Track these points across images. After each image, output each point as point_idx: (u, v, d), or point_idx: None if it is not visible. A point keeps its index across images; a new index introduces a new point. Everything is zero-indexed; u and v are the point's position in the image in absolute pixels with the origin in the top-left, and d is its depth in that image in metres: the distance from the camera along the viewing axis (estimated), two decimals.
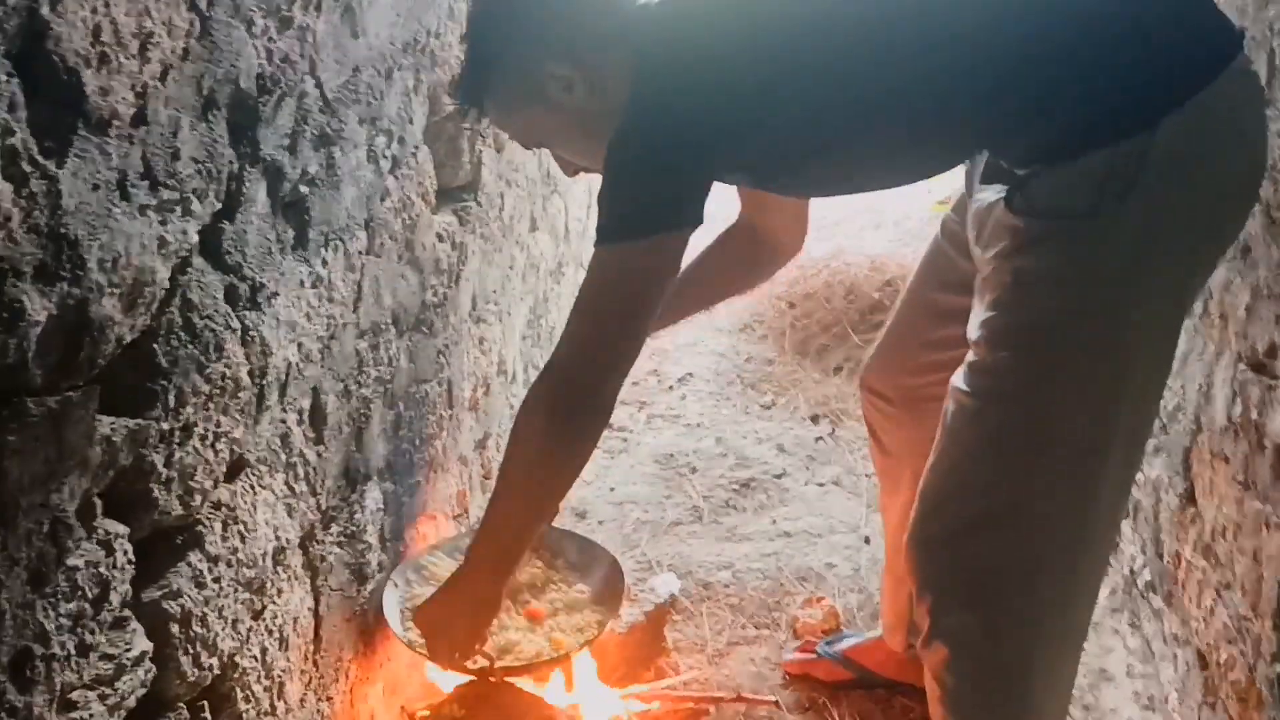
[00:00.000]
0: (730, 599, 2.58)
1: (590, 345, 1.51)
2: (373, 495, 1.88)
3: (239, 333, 1.35)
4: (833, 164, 1.58)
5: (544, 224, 3.20)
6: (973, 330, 1.55)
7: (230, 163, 1.30)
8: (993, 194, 1.54)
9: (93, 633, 1.08)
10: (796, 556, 2.75)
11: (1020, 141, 1.49)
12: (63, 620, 1.03)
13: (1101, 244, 1.43)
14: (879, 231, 4.66)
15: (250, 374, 1.39)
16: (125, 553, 1.14)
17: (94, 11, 1.00)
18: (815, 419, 3.55)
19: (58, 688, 1.03)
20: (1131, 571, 2.38)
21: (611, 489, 3.05)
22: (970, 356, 1.55)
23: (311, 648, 1.64)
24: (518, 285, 2.90)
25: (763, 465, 3.24)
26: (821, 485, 3.13)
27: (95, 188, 1.03)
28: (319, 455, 1.64)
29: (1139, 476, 2.23)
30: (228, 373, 1.32)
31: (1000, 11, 1.45)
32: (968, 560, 1.57)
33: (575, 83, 1.55)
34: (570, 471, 1.59)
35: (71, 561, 1.04)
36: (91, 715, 1.08)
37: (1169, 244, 1.43)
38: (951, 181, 4.51)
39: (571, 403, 1.51)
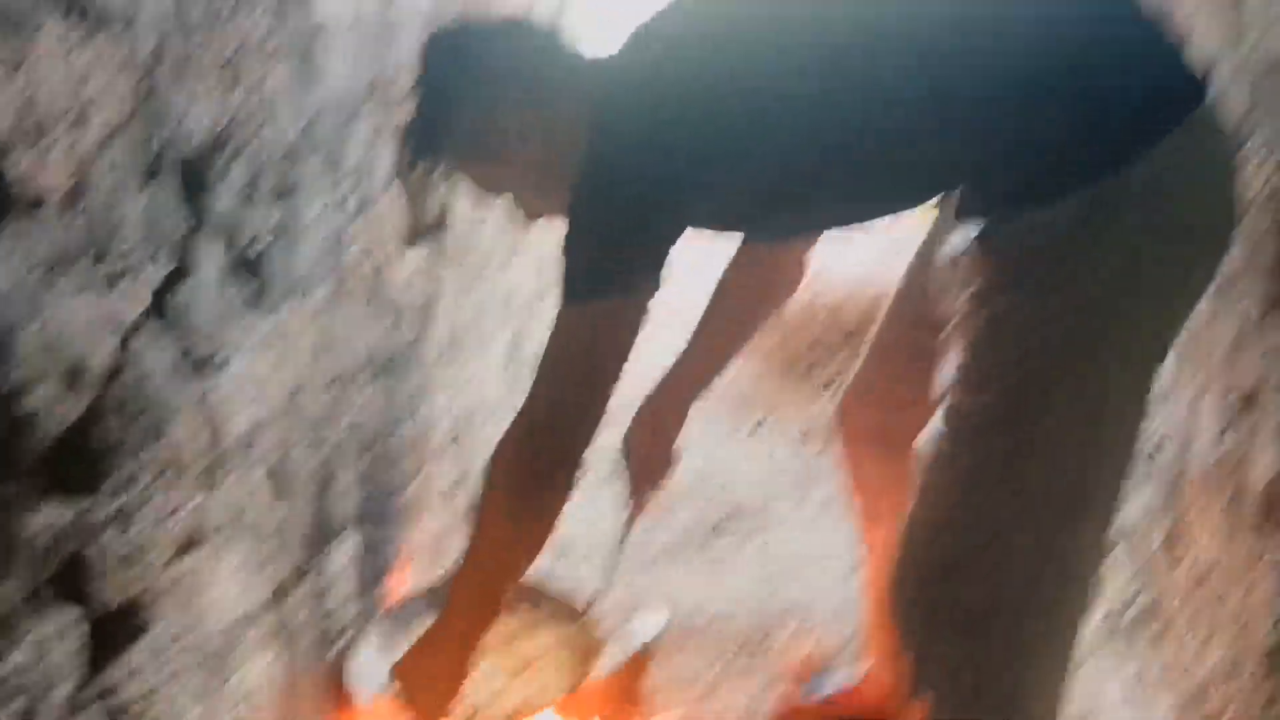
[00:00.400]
0: (717, 634, 2.54)
1: (551, 409, 1.49)
2: (344, 548, 1.84)
3: (197, 399, 1.31)
4: (798, 206, 1.55)
5: (522, 252, 3.16)
6: (950, 372, 1.52)
7: (180, 226, 1.26)
8: (968, 231, 1.51)
9: None
10: (784, 588, 2.71)
11: (993, 182, 1.46)
12: (13, 716, 0.99)
13: (1075, 286, 1.41)
14: (864, 242, 4.63)
15: (208, 441, 1.35)
16: (79, 637, 1.10)
17: (21, 89, 0.96)
18: (805, 437, 3.51)
19: None
20: (1119, 607, 2.35)
21: (593, 524, 3.00)
22: (947, 400, 1.52)
23: (281, 716, 1.60)
24: (494, 320, 2.86)
25: (749, 491, 3.20)
26: (812, 509, 3.10)
27: (29, 270, 0.99)
28: (285, 515, 1.60)
29: (1125, 509, 2.21)
30: (183, 442, 1.28)
31: (971, 53, 1.43)
32: (951, 600, 1.55)
33: (530, 134, 1.53)
34: (541, 524, 1.56)
35: (17, 657, 1.00)
36: None
37: (1143, 287, 1.42)
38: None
39: (535, 464, 1.49)
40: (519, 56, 1.57)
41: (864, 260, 4.47)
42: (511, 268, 3.04)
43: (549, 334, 1.48)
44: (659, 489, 2.07)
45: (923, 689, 1.59)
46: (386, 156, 1.98)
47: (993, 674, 1.55)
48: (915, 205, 1.62)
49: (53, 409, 1.03)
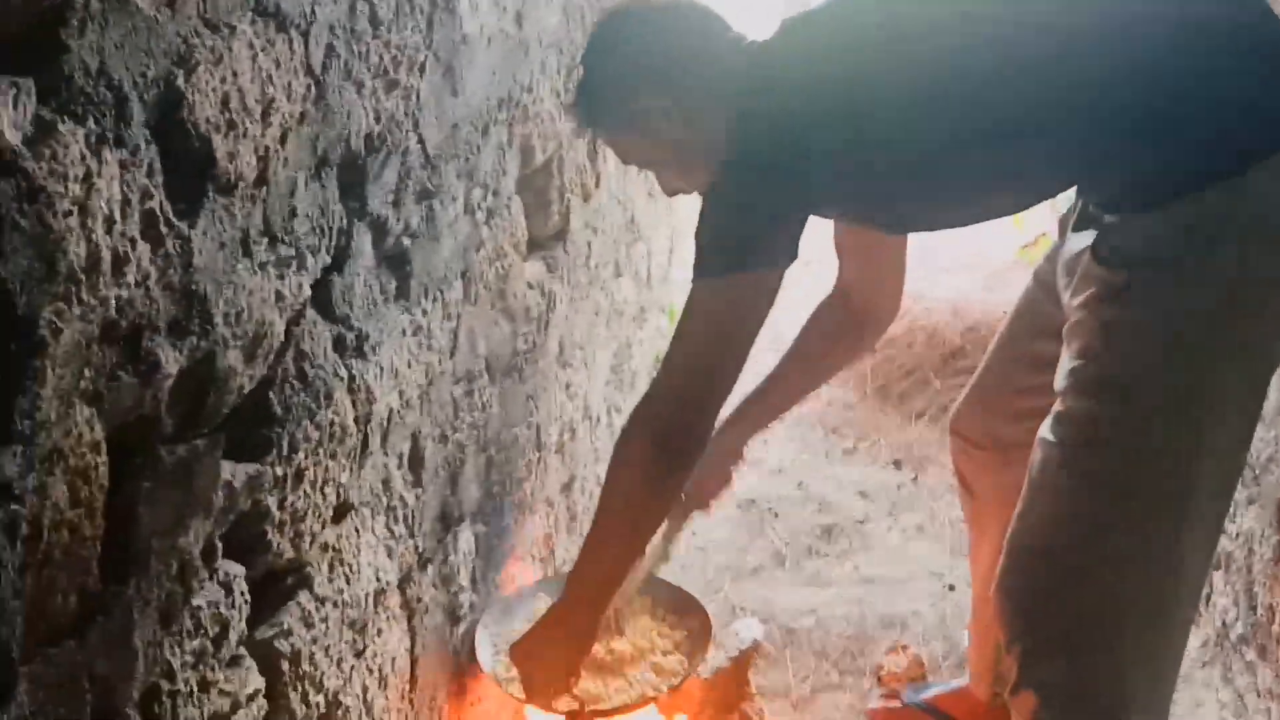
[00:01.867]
0: (814, 645, 2.58)
1: (684, 379, 1.56)
2: (465, 537, 1.92)
3: (346, 381, 1.41)
4: (923, 197, 1.61)
5: (628, 270, 3.25)
6: (1059, 380, 1.56)
7: (340, 218, 1.36)
8: (1082, 241, 1.55)
9: (213, 670, 1.13)
10: (880, 603, 2.74)
11: (1108, 184, 1.51)
12: (187, 658, 1.08)
13: (1187, 294, 1.44)
14: (961, 275, 4.64)
15: (356, 420, 1.44)
16: (243, 593, 1.19)
17: (223, 81, 1.07)
18: (898, 464, 3.54)
19: None
20: (1224, 624, 2.34)
21: (693, 533, 3.06)
22: (1057, 406, 1.55)
23: (408, 687, 1.69)
24: (602, 331, 2.95)
25: (845, 511, 3.23)
26: (905, 531, 3.12)
27: (222, 246, 1.09)
28: (417, 498, 1.69)
29: (1231, 527, 2.20)
30: (336, 419, 1.38)
31: (1094, 53, 1.47)
32: (1056, 609, 1.57)
33: (672, 113, 1.62)
34: (665, 501, 1.63)
35: (196, 601, 1.10)
36: None
37: (1256, 295, 1.44)
38: (1037, 226, 4.47)
39: (667, 435, 1.54)
40: (673, 38, 1.65)
41: (960, 287, 4.49)
42: (621, 281, 3.13)
43: (683, 308, 1.54)
44: (707, 510, 2.10)
45: (1024, 694, 1.61)
46: (514, 169, 2.08)
47: (1096, 681, 1.56)
48: (1033, 204, 1.66)
49: (235, 375, 1.13)
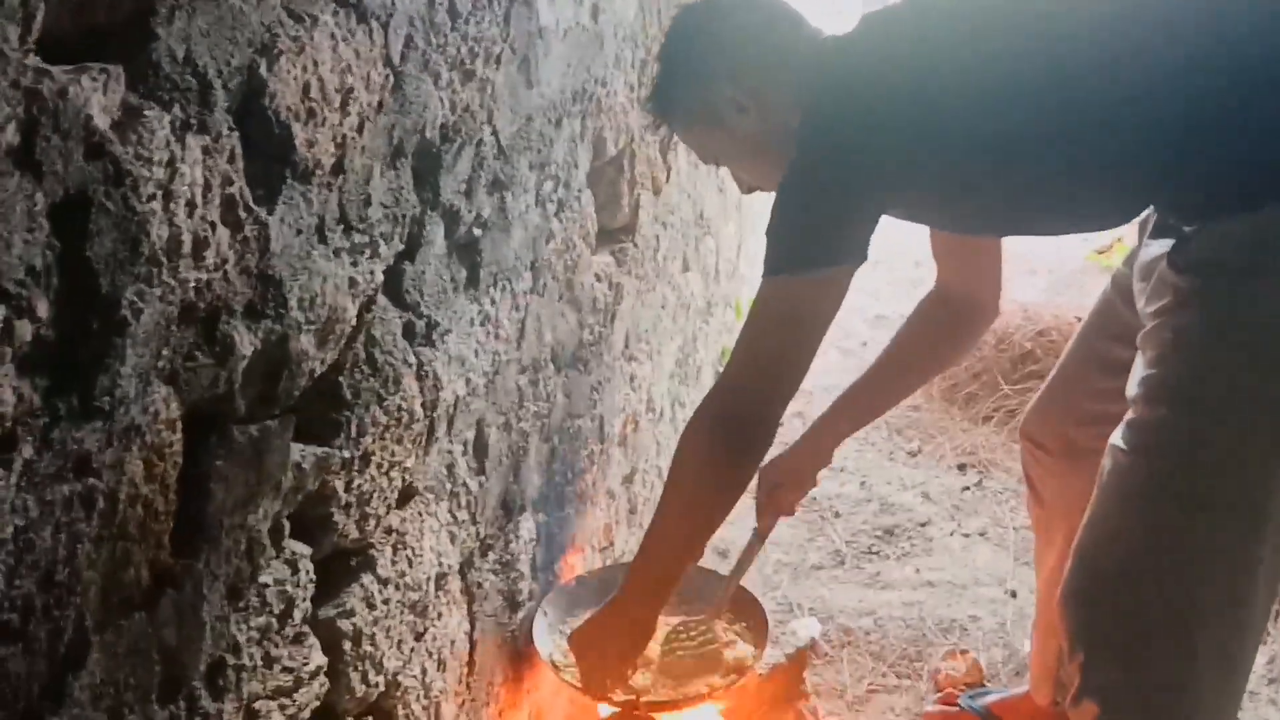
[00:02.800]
0: (871, 646, 2.56)
1: (753, 374, 1.55)
2: (527, 525, 1.94)
3: (414, 367, 1.43)
4: (997, 200, 1.59)
5: (695, 264, 3.25)
6: (1132, 387, 1.53)
7: (413, 207, 1.38)
8: (1159, 248, 1.53)
9: (277, 646, 1.16)
10: (940, 607, 2.72)
11: (1188, 192, 1.48)
12: (252, 633, 1.11)
13: (1264, 303, 1.41)
14: (1032, 279, 4.59)
15: (423, 406, 1.46)
16: (308, 572, 1.21)
17: (305, 70, 1.09)
18: (962, 468, 3.51)
19: (245, 697, 1.11)
20: None
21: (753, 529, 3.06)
22: (1129, 414, 1.53)
23: (465, 670, 1.71)
24: (668, 324, 2.95)
25: (907, 513, 3.21)
26: (967, 536, 3.09)
27: (298, 232, 1.11)
28: (480, 485, 1.71)
29: None
30: (403, 405, 1.40)
31: (1173, 61, 1.44)
32: (1121, 617, 1.55)
33: (747, 107, 1.62)
34: (732, 493, 1.62)
35: (263, 579, 1.12)
36: None
37: None
38: (1110, 232, 4.40)
39: (735, 427, 1.55)
40: (750, 31, 1.65)
41: (1032, 291, 4.44)
42: (689, 275, 3.13)
43: (753, 302, 1.55)
44: (790, 513, 2.10)
45: (1085, 703, 1.59)
46: (585, 161, 2.09)
47: (1159, 693, 1.54)
48: (1106, 225, 1.64)
49: (307, 359, 1.15)
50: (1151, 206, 1.59)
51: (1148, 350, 1.51)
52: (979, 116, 1.49)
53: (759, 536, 2.09)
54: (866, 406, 2.06)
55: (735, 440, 1.55)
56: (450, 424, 1.57)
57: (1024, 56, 1.49)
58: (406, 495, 1.45)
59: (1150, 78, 1.44)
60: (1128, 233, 4.53)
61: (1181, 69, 1.43)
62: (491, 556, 1.79)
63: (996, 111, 1.48)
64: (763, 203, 1.59)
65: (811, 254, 1.50)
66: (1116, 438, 1.53)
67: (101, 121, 0.80)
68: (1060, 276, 4.55)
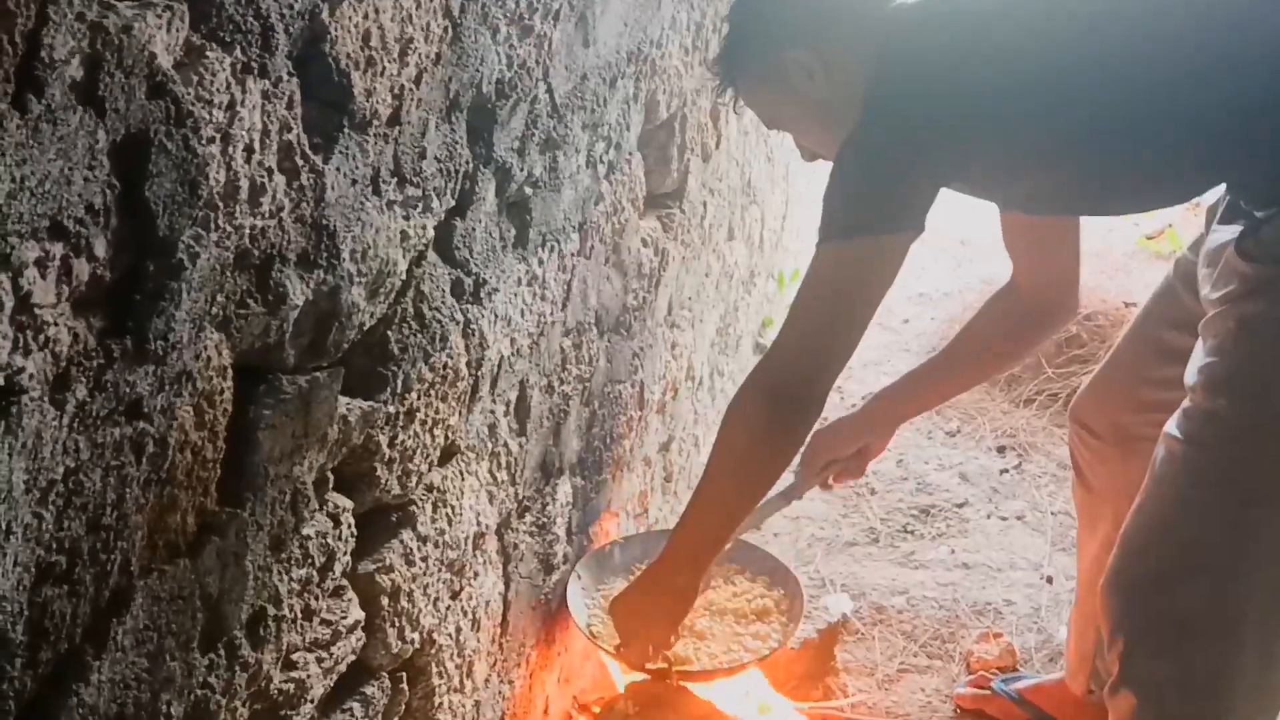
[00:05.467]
0: (903, 625, 2.55)
1: (805, 341, 1.54)
2: (564, 489, 1.93)
3: (461, 325, 1.41)
4: (1061, 176, 1.56)
5: (741, 233, 3.22)
6: (1190, 375, 1.51)
7: (467, 163, 1.36)
8: (1227, 234, 1.50)
9: (316, 598, 1.16)
10: (974, 589, 2.70)
11: (1260, 179, 1.44)
12: (293, 584, 1.11)
13: None
14: (1082, 263, 4.51)
15: (468, 365, 1.45)
16: (349, 526, 1.21)
17: (365, 18, 1.07)
18: (1002, 450, 3.47)
19: (284, 647, 1.10)
20: None
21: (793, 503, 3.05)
22: (1186, 402, 1.51)
23: (499, 631, 1.70)
24: (711, 293, 2.93)
25: (944, 493, 3.18)
26: (1004, 519, 3.06)
27: (353, 183, 1.09)
28: (520, 446, 1.70)
29: None
30: (449, 362, 1.38)
31: (1250, 45, 1.41)
32: (1165, 608, 1.53)
33: (815, 72, 1.59)
34: (779, 461, 1.61)
35: (305, 530, 1.12)
36: (309, 676, 1.16)
37: None
38: (1162, 217, 4.32)
39: (785, 393, 1.54)
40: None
41: (1080, 275, 4.36)
42: (734, 244, 3.10)
43: (807, 268, 1.53)
44: (828, 488, 2.10)
45: (1124, 692, 1.57)
46: (637, 123, 2.06)
47: (1202, 684, 1.52)
48: (1175, 201, 1.60)
49: (358, 311, 1.14)
50: (1224, 187, 1.55)
51: (1209, 338, 1.48)
52: (1050, 91, 1.45)
53: (784, 497, 2.05)
54: (932, 392, 2.05)
55: (784, 410, 1.53)
56: (494, 384, 1.56)
57: (1099, 27, 1.45)
58: (448, 453, 1.45)
59: (1230, 52, 1.41)
60: (1178, 219, 4.45)
61: (1267, 45, 1.40)
62: (529, 518, 1.78)
63: (1067, 87, 1.45)
64: (809, 174, 1.57)
65: (868, 220, 1.48)
66: (1172, 426, 1.51)
67: (165, 60, 0.79)
68: (1109, 261, 4.46)
